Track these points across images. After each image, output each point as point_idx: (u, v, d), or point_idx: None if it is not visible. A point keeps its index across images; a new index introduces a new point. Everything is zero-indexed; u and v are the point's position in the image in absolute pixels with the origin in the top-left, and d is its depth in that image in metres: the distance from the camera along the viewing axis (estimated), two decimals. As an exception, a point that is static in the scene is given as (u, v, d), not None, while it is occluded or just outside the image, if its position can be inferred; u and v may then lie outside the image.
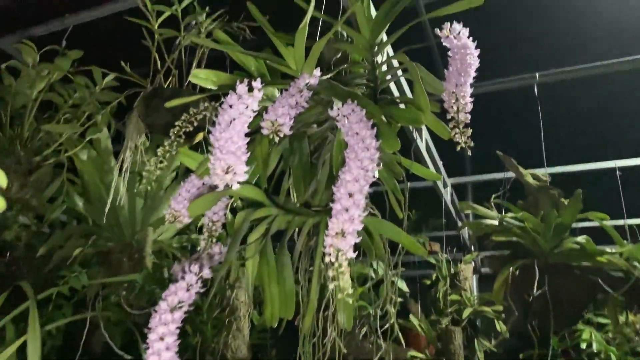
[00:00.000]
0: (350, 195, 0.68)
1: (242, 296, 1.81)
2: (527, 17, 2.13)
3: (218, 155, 0.69)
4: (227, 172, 0.69)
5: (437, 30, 0.95)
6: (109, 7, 1.64)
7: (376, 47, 1.03)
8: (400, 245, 0.99)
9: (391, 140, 0.86)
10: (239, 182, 0.71)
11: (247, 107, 0.75)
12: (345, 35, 1.21)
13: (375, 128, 0.77)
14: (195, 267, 0.83)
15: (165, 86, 1.40)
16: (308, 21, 0.84)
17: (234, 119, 0.73)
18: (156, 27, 1.39)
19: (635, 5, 2.01)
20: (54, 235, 1.97)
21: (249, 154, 0.73)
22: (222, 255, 0.96)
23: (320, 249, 0.97)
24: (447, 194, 2.81)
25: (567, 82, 2.11)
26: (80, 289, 1.95)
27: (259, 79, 0.78)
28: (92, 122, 1.56)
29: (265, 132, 0.83)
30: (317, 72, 0.91)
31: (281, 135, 0.83)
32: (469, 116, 0.83)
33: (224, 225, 1.25)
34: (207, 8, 1.50)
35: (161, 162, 0.93)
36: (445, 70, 0.89)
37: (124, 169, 1.22)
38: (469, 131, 0.82)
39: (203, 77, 0.90)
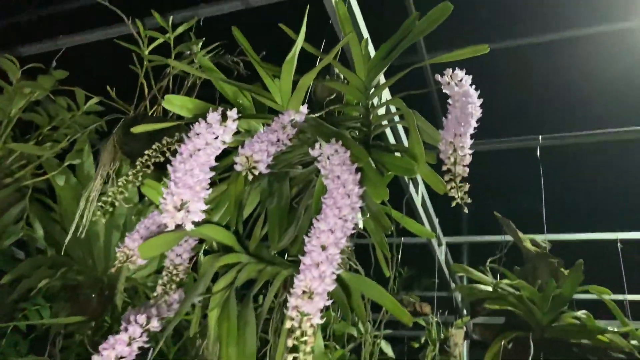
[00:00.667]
0: (324, 248, 0.58)
1: (212, 347, 1.67)
2: (535, 77, 2.09)
3: (172, 189, 0.59)
4: (179, 209, 0.59)
5: (438, 76, 0.87)
6: (104, 31, 1.59)
7: (372, 90, 0.96)
8: (384, 307, 0.88)
9: (380, 189, 0.77)
10: (193, 222, 0.61)
11: (216, 137, 0.66)
12: (342, 77, 1.14)
13: (360, 173, 0.68)
14: (141, 318, 0.72)
15: (150, 114, 1.32)
16: (297, 53, 0.76)
17: (199, 150, 0.64)
18: (146, 53, 1.32)
19: (644, 76, 1.98)
20: (21, 263, 1.84)
21: (210, 190, 0.64)
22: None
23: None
24: (441, 253, 2.69)
25: (571, 147, 2.04)
26: (40, 324, 1.81)
27: (235, 109, 0.70)
28: (72, 146, 1.47)
29: (238, 168, 0.74)
30: (303, 108, 0.83)
31: (256, 172, 0.74)
32: (467, 170, 0.74)
33: (195, 269, 1.14)
34: (205, 39, 1.45)
35: (122, 192, 0.83)
36: (444, 119, 0.80)
37: (90, 198, 1.12)
38: (466, 186, 0.73)
39: (178, 104, 0.82)
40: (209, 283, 0.92)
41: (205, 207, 0.61)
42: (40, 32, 1.77)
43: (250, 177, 0.74)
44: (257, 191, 0.92)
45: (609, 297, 1.64)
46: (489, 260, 1.69)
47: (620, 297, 2.12)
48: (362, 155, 0.71)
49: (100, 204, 0.80)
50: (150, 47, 1.34)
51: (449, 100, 0.82)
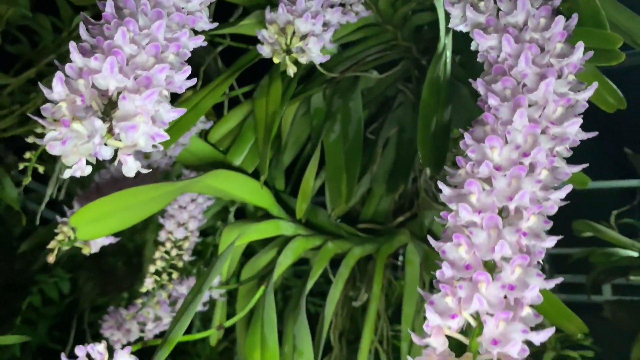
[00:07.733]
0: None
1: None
2: None
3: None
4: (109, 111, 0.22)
5: None
6: None
7: None
8: None
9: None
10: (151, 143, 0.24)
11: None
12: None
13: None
14: (99, 347, 0.38)
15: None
16: None
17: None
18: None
19: None
20: (38, 230, 1.57)
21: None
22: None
23: (372, 311, 0.50)
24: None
25: None
26: (56, 299, 1.57)
27: None
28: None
29: (264, 51, 0.36)
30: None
31: (304, 60, 0.36)
32: None
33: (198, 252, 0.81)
34: None
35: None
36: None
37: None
38: None
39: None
40: (235, 268, 0.57)
41: (173, 114, 0.24)
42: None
43: (291, 71, 0.36)
44: (306, 114, 0.54)
45: None
46: (614, 213, 1.25)
47: None
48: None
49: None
50: None
51: None
